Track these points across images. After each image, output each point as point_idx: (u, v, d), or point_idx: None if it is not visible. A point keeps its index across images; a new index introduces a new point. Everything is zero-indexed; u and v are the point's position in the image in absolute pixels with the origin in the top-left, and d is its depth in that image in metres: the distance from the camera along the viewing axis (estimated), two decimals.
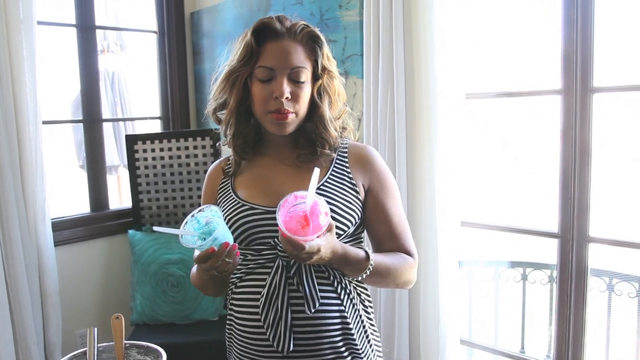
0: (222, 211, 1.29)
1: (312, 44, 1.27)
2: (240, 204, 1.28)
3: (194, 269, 1.36)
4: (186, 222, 1.16)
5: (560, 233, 2.09)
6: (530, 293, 2.94)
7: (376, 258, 1.24)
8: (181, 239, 1.12)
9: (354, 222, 1.27)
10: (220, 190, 1.37)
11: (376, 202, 1.31)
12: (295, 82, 1.24)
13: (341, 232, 1.25)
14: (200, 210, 1.17)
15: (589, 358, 2.13)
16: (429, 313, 2.23)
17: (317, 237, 1.08)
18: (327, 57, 1.29)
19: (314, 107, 1.29)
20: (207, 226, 1.13)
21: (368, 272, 1.22)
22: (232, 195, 1.32)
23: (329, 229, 1.11)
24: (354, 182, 1.30)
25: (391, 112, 2.23)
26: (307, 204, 1.08)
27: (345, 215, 1.25)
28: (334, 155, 1.32)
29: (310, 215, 1.08)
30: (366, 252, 1.23)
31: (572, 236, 2.05)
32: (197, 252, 1.15)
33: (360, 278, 1.25)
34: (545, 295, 2.91)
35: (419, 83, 2.16)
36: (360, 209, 1.30)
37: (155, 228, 1.18)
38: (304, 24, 1.27)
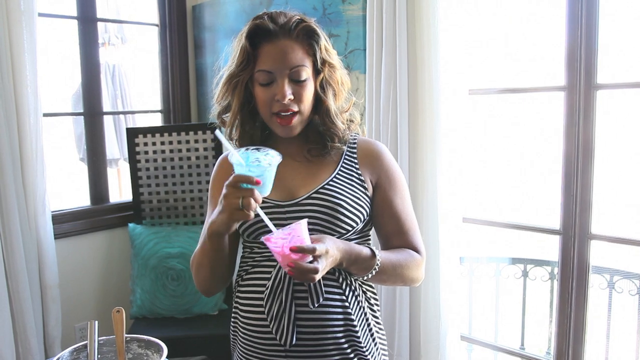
0: None
1: (308, 39, 1.24)
2: None
3: (197, 249, 1.32)
4: (247, 149, 1.15)
5: (562, 230, 2.08)
6: (530, 290, 2.94)
7: (383, 255, 1.23)
8: (231, 154, 1.11)
9: (362, 219, 1.27)
10: None
11: (384, 198, 1.30)
12: (297, 81, 1.21)
13: (349, 229, 1.24)
14: (266, 153, 1.14)
15: (589, 355, 2.13)
16: (430, 309, 2.23)
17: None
18: (326, 50, 1.26)
19: (319, 101, 1.27)
20: (257, 161, 1.11)
21: (374, 271, 1.22)
22: None
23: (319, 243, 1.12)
24: (362, 178, 1.29)
25: (394, 107, 2.22)
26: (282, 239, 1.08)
27: (353, 211, 1.24)
28: (344, 148, 1.31)
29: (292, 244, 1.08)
30: (372, 249, 1.22)
31: (574, 233, 2.05)
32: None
33: (367, 277, 1.24)
34: (545, 292, 2.91)
35: (422, 78, 2.15)
36: (368, 205, 1.29)
37: (217, 133, 1.16)
38: (299, 19, 1.23)
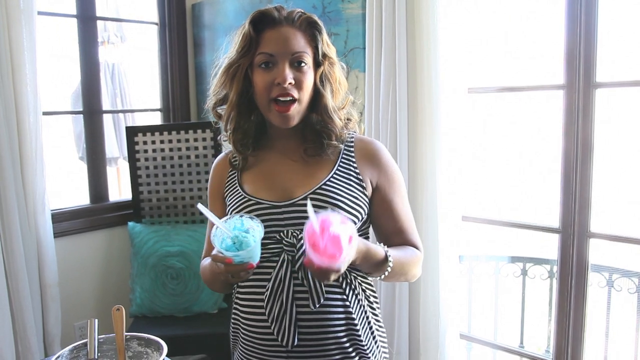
0: (229, 205, 1.29)
1: (311, 29, 1.25)
2: (247, 199, 1.26)
3: (205, 262, 1.33)
4: (231, 217, 1.14)
5: (561, 228, 2.08)
6: (530, 288, 2.94)
7: (394, 256, 1.21)
8: (215, 230, 1.10)
9: (360, 218, 1.26)
10: (228, 184, 1.34)
11: (383, 198, 1.29)
12: (298, 67, 1.22)
13: None
14: (250, 218, 1.14)
15: (588, 353, 2.14)
16: (429, 307, 2.23)
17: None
18: (327, 44, 1.27)
19: (317, 96, 1.27)
20: (245, 234, 1.10)
21: (383, 275, 1.21)
22: (238, 190, 1.30)
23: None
24: (360, 177, 1.28)
25: (393, 106, 2.22)
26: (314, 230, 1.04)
27: (351, 211, 1.23)
28: (341, 146, 1.30)
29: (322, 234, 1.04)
30: (385, 253, 1.20)
31: (573, 231, 2.05)
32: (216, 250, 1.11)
33: (379, 278, 1.23)
34: (544, 291, 2.92)
35: (421, 77, 2.15)
36: (366, 204, 1.28)
37: (199, 206, 1.13)
38: (302, 11, 1.26)
